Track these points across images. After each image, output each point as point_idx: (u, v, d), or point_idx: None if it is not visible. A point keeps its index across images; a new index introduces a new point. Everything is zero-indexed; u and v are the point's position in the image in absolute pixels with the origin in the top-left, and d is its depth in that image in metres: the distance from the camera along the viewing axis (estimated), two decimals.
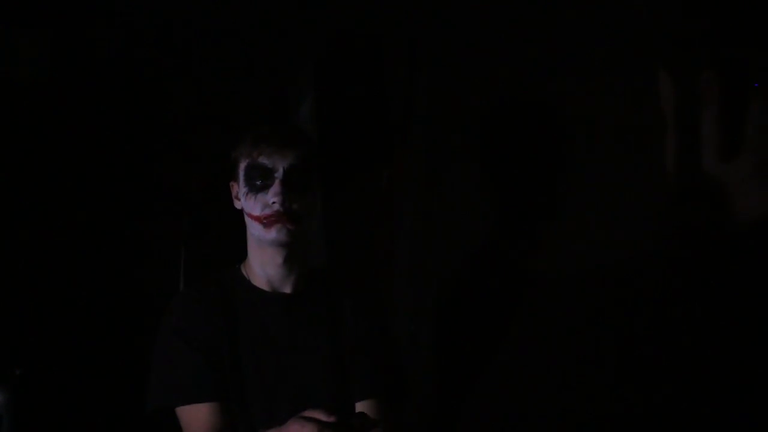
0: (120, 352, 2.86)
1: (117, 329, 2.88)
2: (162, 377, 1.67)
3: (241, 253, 1.80)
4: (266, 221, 1.65)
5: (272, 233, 1.65)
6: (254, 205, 1.66)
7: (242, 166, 1.68)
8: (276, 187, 1.63)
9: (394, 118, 2.61)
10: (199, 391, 1.63)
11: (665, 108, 0.73)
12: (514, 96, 1.92)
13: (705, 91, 0.69)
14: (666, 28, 0.72)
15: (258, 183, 1.65)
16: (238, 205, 1.73)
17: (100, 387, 2.83)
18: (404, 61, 2.52)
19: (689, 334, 0.60)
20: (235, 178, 1.72)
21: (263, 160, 1.65)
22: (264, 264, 1.71)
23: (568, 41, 1.69)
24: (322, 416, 1.37)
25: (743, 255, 0.63)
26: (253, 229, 1.69)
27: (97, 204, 2.94)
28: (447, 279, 2.20)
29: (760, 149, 0.67)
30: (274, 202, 1.63)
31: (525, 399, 0.65)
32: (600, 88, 1.59)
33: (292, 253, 1.70)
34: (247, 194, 1.67)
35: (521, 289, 1.80)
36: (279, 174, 1.64)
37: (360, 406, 1.69)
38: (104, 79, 2.94)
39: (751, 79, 0.67)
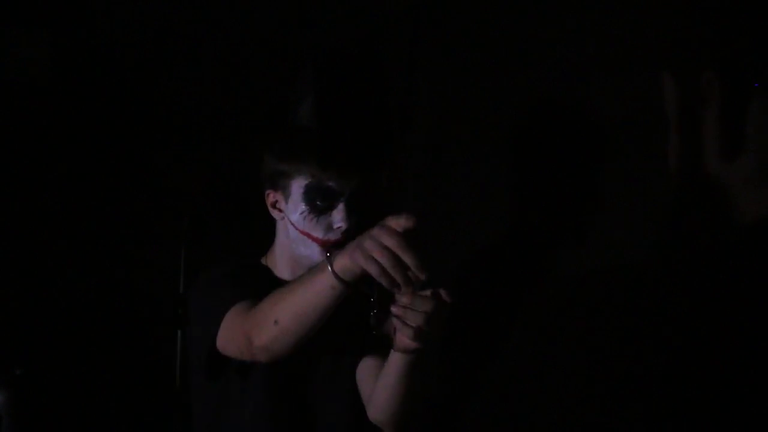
0: (120, 352, 2.86)
1: (117, 329, 2.88)
2: (207, 313, 1.61)
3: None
4: (329, 246, 1.60)
5: None
6: (315, 227, 1.61)
7: (300, 183, 1.61)
8: (341, 211, 1.59)
9: (395, 118, 2.61)
10: (243, 291, 1.57)
11: (667, 108, 0.73)
12: (518, 96, 1.92)
13: (706, 92, 0.69)
14: (667, 29, 0.72)
15: (320, 204, 1.60)
16: (277, 215, 1.68)
17: (101, 387, 2.83)
18: (405, 61, 2.52)
19: (690, 334, 0.60)
20: (280, 190, 1.65)
21: (329, 182, 1.58)
22: (294, 270, 1.69)
23: (569, 42, 1.69)
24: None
25: (745, 254, 0.63)
26: (306, 249, 1.64)
27: (97, 204, 2.94)
28: (447, 279, 2.20)
29: (761, 149, 0.68)
30: (339, 227, 1.59)
31: (527, 398, 0.65)
32: (601, 89, 1.59)
33: None
34: (306, 215, 1.61)
35: (523, 288, 1.80)
36: (345, 197, 1.59)
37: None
38: (104, 79, 2.94)
39: (751, 79, 0.67)
